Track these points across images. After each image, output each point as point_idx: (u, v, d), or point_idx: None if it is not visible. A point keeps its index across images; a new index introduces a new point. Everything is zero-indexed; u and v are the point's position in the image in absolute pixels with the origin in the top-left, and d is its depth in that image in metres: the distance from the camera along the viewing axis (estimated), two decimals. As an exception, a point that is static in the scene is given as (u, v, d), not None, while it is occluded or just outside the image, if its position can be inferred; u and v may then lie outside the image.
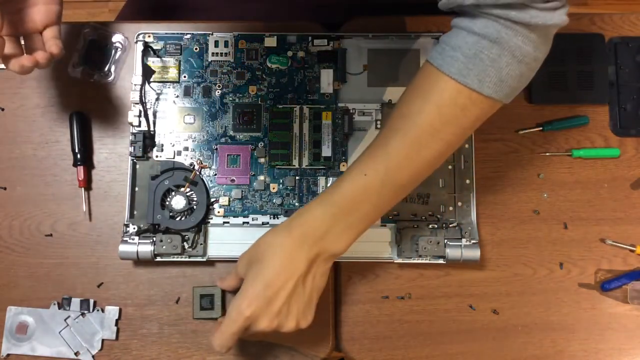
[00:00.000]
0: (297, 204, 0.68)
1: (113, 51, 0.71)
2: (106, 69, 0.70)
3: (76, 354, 0.66)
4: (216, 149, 0.68)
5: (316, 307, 0.66)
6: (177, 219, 0.66)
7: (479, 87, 0.51)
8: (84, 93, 0.70)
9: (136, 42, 0.69)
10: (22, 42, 0.57)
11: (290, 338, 0.65)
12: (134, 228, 0.66)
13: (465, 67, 0.50)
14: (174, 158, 0.68)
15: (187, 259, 0.66)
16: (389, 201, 0.56)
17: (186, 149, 0.68)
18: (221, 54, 0.70)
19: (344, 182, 0.55)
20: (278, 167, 0.68)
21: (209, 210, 0.67)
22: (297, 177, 0.68)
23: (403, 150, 0.54)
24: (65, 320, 0.66)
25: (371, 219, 0.56)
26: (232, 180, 0.68)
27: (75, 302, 0.66)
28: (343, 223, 0.55)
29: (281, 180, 0.68)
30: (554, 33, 0.52)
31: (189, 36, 0.70)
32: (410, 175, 0.55)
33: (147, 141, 0.68)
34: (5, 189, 0.69)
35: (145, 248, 0.65)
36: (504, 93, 0.52)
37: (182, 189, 0.67)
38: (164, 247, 0.65)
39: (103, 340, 0.66)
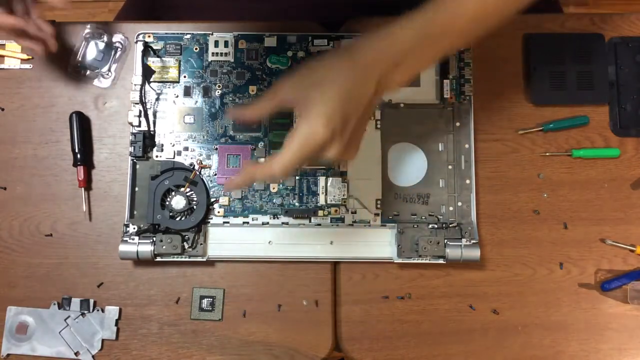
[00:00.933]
0: (297, 204, 0.68)
1: (113, 51, 0.71)
2: (106, 69, 0.70)
3: (76, 354, 0.66)
4: (216, 149, 0.68)
5: (316, 306, 0.67)
6: (177, 219, 0.66)
7: None
8: (84, 93, 0.70)
9: (136, 42, 0.69)
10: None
11: (291, 338, 0.66)
12: (134, 228, 0.66)
13: None
14: (174, 158, 0.68)
15: (187, 259, 0.66)
16: (466, 39, 0.55)
17: (186, 149, 0.68)
18: (221, 54, 0.70)
19: (437, 12, 0.52)
20: (278, 167, 0.68)
21: (209, 210, 0.67)
22: (297, 177, 0.68)
23: None
24: (65, 320, 0.66)
25: (438, 57, 0.55)
26: (232, 180, 0.68)
27: (75, 302, 0.66)
28: (419, 54, 0.52)
29: (281, 181, 0.68)
30: None
31: (189, 36, 0.70)
32: (498, 10, 0.53)
33: (147, 141, 0.68)
34: (5, 189, 0.69)
35: (145, 248, 0.65)
36: None
37: (182, 189, 0.67)
38: (164, 247, 0.65)
39: (103, 340, 0.66)
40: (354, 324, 0.67)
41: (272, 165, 0.50)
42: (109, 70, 0.70)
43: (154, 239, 0.65)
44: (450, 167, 0.68)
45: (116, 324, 0.66)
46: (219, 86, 0.69)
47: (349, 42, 0.52)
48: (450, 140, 0.69)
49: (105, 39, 0.71)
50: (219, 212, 0.67)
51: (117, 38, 0.71)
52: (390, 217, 0.68)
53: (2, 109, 0.70)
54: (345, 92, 0.50)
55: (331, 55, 0.53)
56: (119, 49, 0.71)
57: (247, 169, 0.53)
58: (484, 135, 0.70)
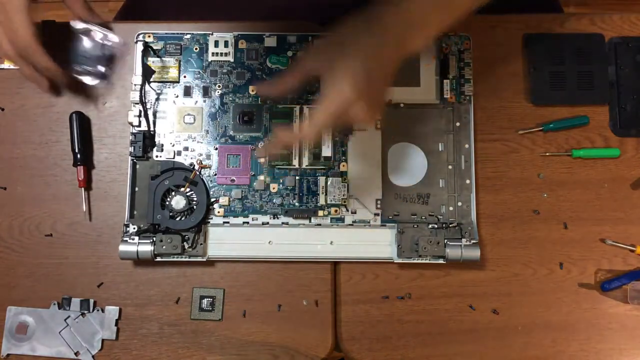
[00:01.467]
0: (297, 204, 0.68)
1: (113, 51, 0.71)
2: (106, 69, 0.70)
3: (76, 354, 0.66)
4: (216, 148, 0.68)
5: (316, 306, 0.67)
6: (177, 219, 0.66)
7: None
8: (84, 93, 0.70)
9: (136, 42, 0.69)
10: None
11: (290, 338, 0.66)
12: (134, 228, 0.66)
13: None
14: (174, 158, 0.68)
15: (187, 259, 0.66)
16: (473, 3, 0.57)
17: (186, 149, 0.68)
18: (221, 54, 0.70)
19: None
20: (278, 167, 0.68)
21: (209, 210, 0.67)
22: (297, 177, 0.68)
23: None
24: (65, 320, 0.66)
25: (451, 20, 0.56)
26: (232, 180, 0.68)
27: (75, 302, 0.66)
28: (432, 17, 0.55)
29: (281, 180, 0.68)
30: None
31: (189, 36, 0.70)
32: None
33: (147, 141, 0.68)
34: (5, 189, 0.69)
35: (145, 248, 0.65)
36: None
37: (182, 189, 0.67)
38: (164, 247, 0.65)
39: (103, 340, 0.66)
40: (354, 324, 0.67)
41: (303, 127, 0.54)
42: (109, 70, 0.70)
43: (154, 239, 0.65)
44: (450, 167, 0.68)
45: (116, 324, 0.66)
46: (219, 86, 0.69)
47: (366, 10, 0.55)
48: (450, 140, 0.69)
49: (105, 39, 0.70)
50: (219, 212, 0.67)
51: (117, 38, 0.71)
52: (390, 217, 0.68)
53: (2, 109, 0.70)
54: (367, 52, 0.53)
55: (350, 22, 0.55)
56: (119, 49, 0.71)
57: (278, 133, 0.55)
58: (484, 135, 0.70)
